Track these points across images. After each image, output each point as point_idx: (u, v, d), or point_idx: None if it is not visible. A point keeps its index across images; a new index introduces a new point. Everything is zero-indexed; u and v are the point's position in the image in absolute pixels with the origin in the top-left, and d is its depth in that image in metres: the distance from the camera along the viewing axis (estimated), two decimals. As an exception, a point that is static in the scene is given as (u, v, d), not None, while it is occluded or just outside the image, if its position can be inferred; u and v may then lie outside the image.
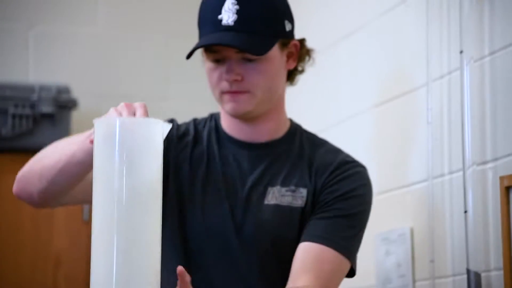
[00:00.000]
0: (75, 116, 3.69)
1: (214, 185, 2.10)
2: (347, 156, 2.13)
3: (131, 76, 4.02)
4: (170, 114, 3.99)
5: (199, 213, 2.09)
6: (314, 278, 1.97)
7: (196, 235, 2.08)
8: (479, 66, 2.30)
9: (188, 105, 4.01)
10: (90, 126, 1.78)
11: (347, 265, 2.04)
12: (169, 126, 1.71)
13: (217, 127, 2.15)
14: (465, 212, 2.26)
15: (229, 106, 2.05)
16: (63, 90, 3.65)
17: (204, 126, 2.17)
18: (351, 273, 2.06)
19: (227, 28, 2.01)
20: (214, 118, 2.18)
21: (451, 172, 2.43)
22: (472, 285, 2.21)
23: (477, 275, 2.21)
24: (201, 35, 2.07)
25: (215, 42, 2.01)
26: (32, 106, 3.58)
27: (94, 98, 3.91)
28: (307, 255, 2.00)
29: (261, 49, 2.01)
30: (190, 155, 2.12)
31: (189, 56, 2.04)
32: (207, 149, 2.13)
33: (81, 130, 3.99)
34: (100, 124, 1.70)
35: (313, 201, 2.06)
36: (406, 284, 2.54)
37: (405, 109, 2.65)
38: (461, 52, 2.31)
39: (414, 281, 2.52)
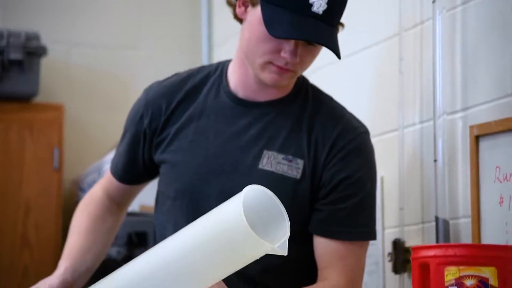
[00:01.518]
0: (45, 63, 3.66)
1: (203, 142, 2.08)
2: (348, 121, 2.09)
3: (100, 24, 3.98)
4: (140, 63, 3.99)
5: (184, 171, 2.08)
6: (340, 274, 2.01)
7: (184, 193, 2.07)
8: (451, 16, 2.31)
9: (158, 54, 4.00)
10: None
11: (368, 244, 2.09)
12: None
13: (221, 80, 2.12)
14: (435, 161, 2.28)
15: (270, 77, 2.01)
16: (33, 37, 3.61)
17: (207, 77, 2.13)
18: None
19: (316, 16, 1.93)
20: (221, 68, 2.14)
21: (422, 122, 2.45)
22: (441, 232, 2.23)
23: (446, 223, 2.23)
24: (281, 6, 1.94)
25: (313, 39, 1.94)
26: (1, 52, 3.53)
27: (64, 45, 3.88)
28: (332, 255, 2.02)
29: (338, 47, 1.98)
30: (183, 110, 2.11)
31: (267, 26, 1.93)
32: (203, 102, 2.11)
33: (50, 77, 3.97)
34: None
35: (313, 175, 2.03)
36: (376, 231, 2.57)
37: (377, 59, 2.66)
38: (433, 1, 2.31)
39: (383, 228, 2.55)
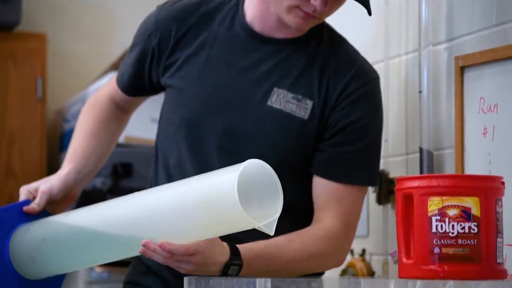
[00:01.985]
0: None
1: (214, 72, 2.06)
2: (361, 65, 2.08)
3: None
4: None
5: (191, 99, 2.06)
6: (336, 216, 2.01)
7: (189, 121, 2.06)
8: None
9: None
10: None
11: (367, 190, 2.09)
12: None
13: (237, 10, 2.08)
14: (420, 92, 2.28)
15: (295, 21, 1.98)
16: (14, -36, 3.56)
17: (221, 4, 2.10)
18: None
19: None
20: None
21: (407, 53, 2.44)
22: (425, 163, 2.24)
23: (430, 154, 2.24)
24: None
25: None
26: (-19, -20, 3.49)
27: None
28: (329, 196, 2.02)
29: (369, 2, 1.97)
30: (194, 36, 2.08)
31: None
32: (216, 31, 2.08)
33: (32, 6, 3.92)
34: None
35: (320, 116, 2.02)
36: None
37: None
38: None
39: (367, 159, 2.56)
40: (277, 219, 1.65)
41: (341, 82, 2.04)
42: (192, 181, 1.73)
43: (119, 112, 2.28)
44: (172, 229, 1.72)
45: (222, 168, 1.70)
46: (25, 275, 2.00)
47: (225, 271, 1.82)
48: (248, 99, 2.03)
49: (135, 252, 1.77)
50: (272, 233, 1.64)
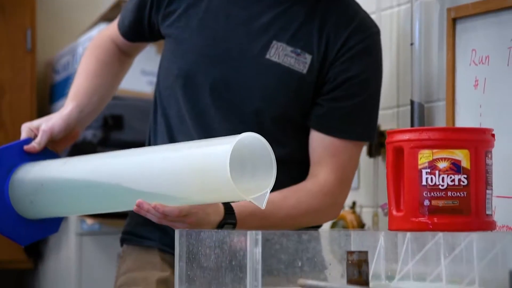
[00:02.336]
0: None
1: (213, 23, 2.04)
2: (362, 20, 2.06)
3: None
4: None
5: (190, 50, 2.04)
6: (331, 171, 2.00)
7: (187, 72, 2.05)
8: None
9: None
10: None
11: (364, 145, 2.09)
12: None
13: None
14: (411, 44, 2.27)
15: None
16: None
17: None
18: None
19: None
20: None
21: (399, 4, 2.43)
22: (415, 116, 2.24)
23: (421, 106, 2.24)
24: None
25: None
26: None
27: None
28: (325, 150, 2.01)
29: None
30: None
31: None
32: None
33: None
34: None
35: (319, 71, 2.01)
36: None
37: None
38: None
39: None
40: (268, 192, 1.65)
41: (341, 36, 2.02)
42: (190, 146, 1.74)
43: (121, 55, 2.27)
44: (166, 190, 1.73)
45: (219, 138, 1.70)
46: (23, 215, 2.01)
47: (219, 228, 1.83)
48: (246, 51, 2.02)
49: (129, 206, 1.77)
50: (263, 207, 1.65)
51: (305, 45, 2.01)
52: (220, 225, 1.83)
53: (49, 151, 2.06)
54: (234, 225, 1.85)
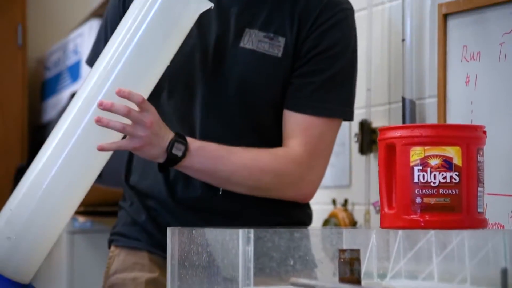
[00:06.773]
0: None
1: None
2: None
3: None
4: None
5: None
6: (300, 144, 1.99)
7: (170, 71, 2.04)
8: None
9: None
10: None
11: (339, 123, 2.05)
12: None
13: None
14: (403, 40, 2.27)
15: None
16: None
17: None
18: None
19: None
20: None
21: (390, 0, 2.42)
22: (407, 112, 2.24)
23: (412, 103, 2.24)
24: None
25: None
26: None
27: None
28: (296, 126, 2.00)
29: None
30: None
31: None
32: None
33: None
34: None
35: (294, 52, 2.00)
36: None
37: None
38: None
39: (350, 108, 2.55)
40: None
41: (312, 15, 2.01)
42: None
43: None
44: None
45: None
46: (4, 274, 1.77)
47: (170, 149, 1.86)
48: (221, 42, 2.02)
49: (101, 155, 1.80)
50: (211, 6, 1.80)
51: (278, 28, 2.01)
52: (171, 142, 1.86)
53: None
54: (185, 147, 1.88)
